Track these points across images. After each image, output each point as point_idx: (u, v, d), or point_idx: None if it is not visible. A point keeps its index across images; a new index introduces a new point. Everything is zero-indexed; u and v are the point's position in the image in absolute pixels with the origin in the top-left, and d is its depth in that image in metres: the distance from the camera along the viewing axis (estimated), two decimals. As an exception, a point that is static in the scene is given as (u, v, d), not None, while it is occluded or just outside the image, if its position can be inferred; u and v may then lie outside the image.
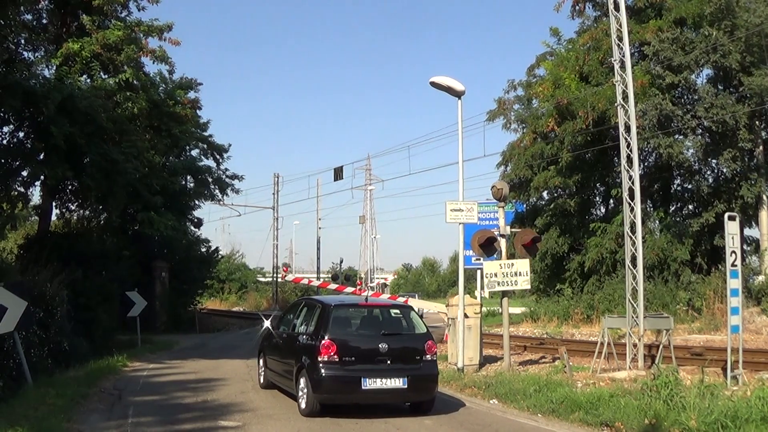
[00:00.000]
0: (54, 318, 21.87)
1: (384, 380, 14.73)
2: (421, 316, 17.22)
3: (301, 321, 17.10)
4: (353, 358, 14.88)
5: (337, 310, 16.02)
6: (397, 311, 17.04)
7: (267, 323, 19.21)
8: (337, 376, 14.62)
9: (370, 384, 14.61)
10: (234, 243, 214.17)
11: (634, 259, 21.99)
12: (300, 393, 15.18)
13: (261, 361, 19.38)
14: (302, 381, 15.10)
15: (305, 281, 58.36)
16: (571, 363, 20.70)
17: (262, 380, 19.13)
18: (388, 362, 14.95)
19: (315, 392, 14.59)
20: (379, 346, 14.94)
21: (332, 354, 14.63)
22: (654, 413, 13.28)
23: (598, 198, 46.21)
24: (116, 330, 31.62)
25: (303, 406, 14.94)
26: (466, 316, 21.76)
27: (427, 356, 15.43)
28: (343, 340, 15.08)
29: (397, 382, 14.78)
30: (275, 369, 17.84)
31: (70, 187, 31.50)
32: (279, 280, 72.34)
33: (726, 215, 17.92)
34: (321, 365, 14.58)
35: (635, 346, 21.09)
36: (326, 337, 14.81)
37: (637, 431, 13.06)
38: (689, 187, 41.07)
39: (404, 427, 14.17)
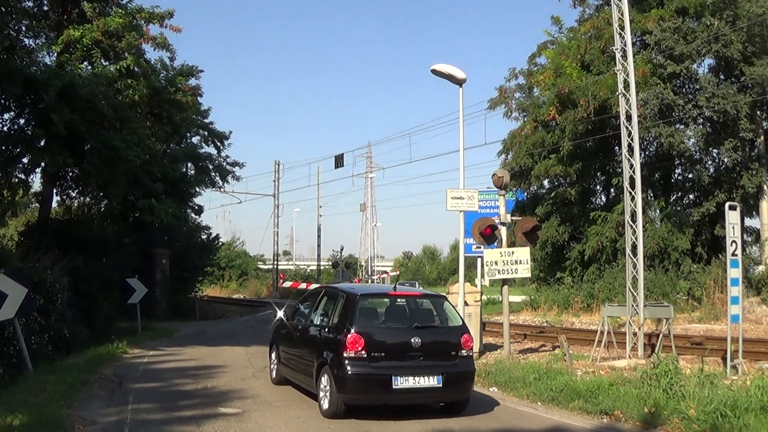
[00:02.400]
0: (54, 305, 21.92)
1: (417, 378, 13.43)
2: None
3: (322, 312, 15.77)
4: (383, 354, 13.53)
5: (363, 300, 14.54)
6: (429, 301, 15.54)
7: (280, 313, 17.78)
8: (365, 374, 13.32)
9: (402, 383, 13.31)
10: (234, 230, 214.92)
11: (634, 248, 22.02)
12: (322, 392, 13.93)
13: (273, 355, 17.90)
14: (324, 379, 13.86)
15: (303, 285, 57.79)
16: (570, 351, 20.72)
17: (274, 375, 17.72)
18: (421, 358, 13.65)
19: (340, 392, 13.32)
20: (411, 340, 13.59)
21: (359, 349, 13.33)
22: (653, 402, 13.32)
23: (598, 187, 46.23)
24: (116, 317, 31.60)
25: (326, 406, 13.70)
26: (466, 304, 21.75)
27: (463, 351, 14.13)
28: (371, 333, 13.74)
29: (431, 381, 13.50)
30: (291, 364, 16.51)
31: (70, 174, 31.52)
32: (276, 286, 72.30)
33: (727, 205, 17.93)
34: (347, 362, 13.30)
35: (635, 335, 21.15)
36: (352, 331, 13.47)
37: (636, 420, 13.08)
38: (690, 176, 41.06)
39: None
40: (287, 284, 59.28)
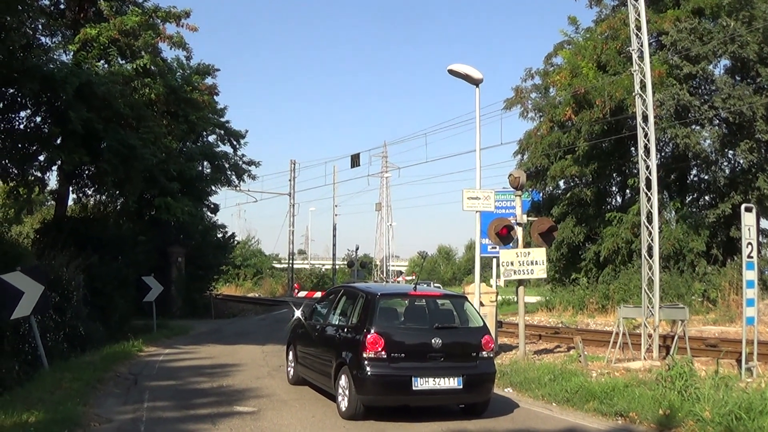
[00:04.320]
0: (70, 302, 22.02)
1: (437, 380, 13.30)
2: None
3: (341, 311, 15.59)
4: (403, 355, 13.38)
5: (383, 299, 14.40)
6: (450, 302, 15.36)
7: (298, 312, 17.60)
8: (384, 374, 13.19)
9: (422, 384, 13.18)
10: (250, 229, 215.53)
11: (650, 249, 21.97)
12: (340, 393, 13.82)
13: (291, 355, 17.74)
14: (343, 379, 13.72)
15: (318, 294, 57.65)
16: (586, 352, 20.67)
17: (291, 375, 17.61)
18: (442, 359, 13.49)
19: (359, 392, 13.19)
20: (432, 341, 13.44)
21: (379, 350, 13.20)
22: (668, 404, 13.29)
23: (614, 187, 46.26)
24: (132, 315, 31.72)
25: (344, 407, 13.58)
26: (481, 304, 21.74)
27: (484, 353, 14.00)
28: (391, 334, 13.58)
29: (451, 382, 13.38)
30: (308, 364, 16.35)
31: (86, 172, 31.55)
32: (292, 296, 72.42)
33: (743, 206, 17.90)
34: (366, 362, 13.18)
35: (650, 336, 21.11)
36: (372, 331, 13.34)
37: (651, 421, 13.08)
38: (706, 177, 40.95)
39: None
40: (302, 294, 59.21)
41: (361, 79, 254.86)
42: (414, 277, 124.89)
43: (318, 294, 55.40)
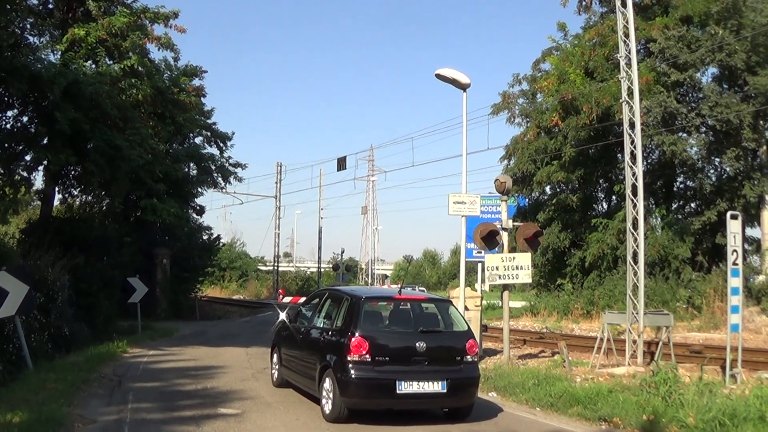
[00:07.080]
0: (55, 303, 21.92)
1: (421, 383, 13.24)
2: None
3: (325, 314, 15.54)
4: (387, 358, 13.36)
5: (368, 303, 14.41)
6: (435, 306, 15.36)
7: (283, 315, 17.42)
8: (369, 378, 13.15)
9: (406, 388, 13.13)
10: (235, 231, 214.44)
11: (635, 255, 21.98)
12: (324, 396, 13.76)
13: (275, 358, 17.68)
14: (327, 382, 13.65)
15: (303, 300, 57.49)
16: (570, 358, 20.72)
17: (275, 377, 17.54)
18: (426, 363, 13.46)
19: (343, 396, 13.15)
20: (416, 344, 13.40)
21: (363, 353, 13.14)
22: (652, 409, 13.31)
23: (600, 194, 46.36)
24: (117, 316, 31.59)
25: (328, 410, 13.54)
26: (466, 308, 21.74)
27: (468, 357, 13.96)
28: (376, 337, 13.53)
29: (435, 386, 13.33)
30: (293, 367, 16.27)
31: (73, 173, 31.36)
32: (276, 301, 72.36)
33: (728, 214, 17.93)
34: (351, 365, 13.12)
35: (635, 342, 21.10)
36: (357, 334, 13.28)
37: (635, 427, 13.08)
38: (692, 185, 41.14)
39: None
40: (287, 299, 59.36)
41: (349, 82, 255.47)
42: (399, 285, 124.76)
43: (303, 300, 55.42)
